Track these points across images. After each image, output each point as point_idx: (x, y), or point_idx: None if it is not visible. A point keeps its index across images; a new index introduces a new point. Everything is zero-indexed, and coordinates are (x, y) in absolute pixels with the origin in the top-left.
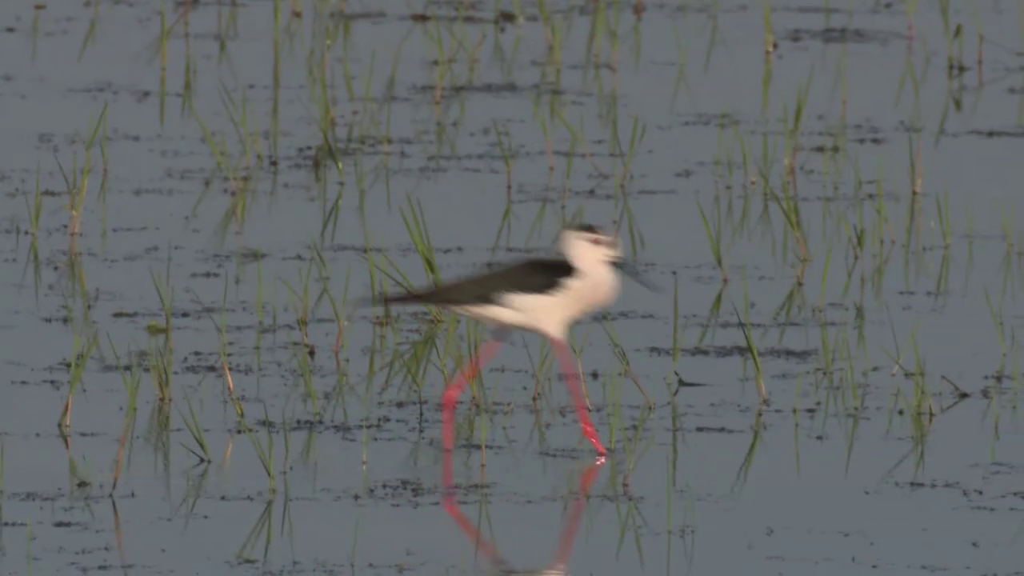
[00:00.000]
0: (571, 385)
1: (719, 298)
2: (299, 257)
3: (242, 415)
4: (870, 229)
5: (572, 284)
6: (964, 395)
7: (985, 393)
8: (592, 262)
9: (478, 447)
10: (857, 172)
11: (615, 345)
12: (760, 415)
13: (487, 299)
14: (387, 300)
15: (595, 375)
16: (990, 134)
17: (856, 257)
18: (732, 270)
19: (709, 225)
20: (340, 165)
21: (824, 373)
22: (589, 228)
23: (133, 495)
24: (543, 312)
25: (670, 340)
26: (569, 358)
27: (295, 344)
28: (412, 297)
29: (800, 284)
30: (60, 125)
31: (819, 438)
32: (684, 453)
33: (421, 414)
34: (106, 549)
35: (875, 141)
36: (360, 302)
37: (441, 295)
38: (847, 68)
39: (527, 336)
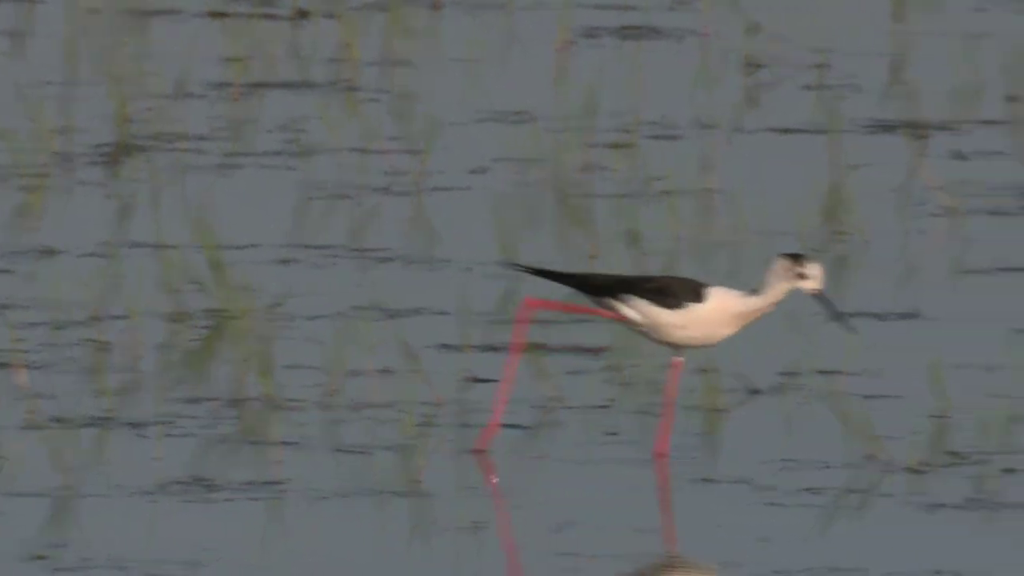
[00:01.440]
0: (667, 400)
1: (512, 294)
2: (94, 254)
3: (34, 411)
4: (661, 225)
5: (695, 308)
6: (756, 391)
7: (777, 389)
8: (781, 289)
9: (272, 444)
10: (650, 169)
11: (404, 343)
12: (552, 411)
13: (614, 294)
14: (529, 270)
15: (386, 372)
16: (785, 131)
17: (645, 254)
18: None
19: (502, 222)
20: (135, 162)
21: (616, 369)
22: (797, 257)
23: None
24: (659, 325)
25: (461, 337)
26: (676, 378)
27: (88, 340)
28: (553, 275)
29: None
30: None
31: (612, 434)
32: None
33: (213, 410)
34: None
35: (670, 138)
36: (508, 266)
37: (578, 279)
38: (642, 65)
39: (320, 331)
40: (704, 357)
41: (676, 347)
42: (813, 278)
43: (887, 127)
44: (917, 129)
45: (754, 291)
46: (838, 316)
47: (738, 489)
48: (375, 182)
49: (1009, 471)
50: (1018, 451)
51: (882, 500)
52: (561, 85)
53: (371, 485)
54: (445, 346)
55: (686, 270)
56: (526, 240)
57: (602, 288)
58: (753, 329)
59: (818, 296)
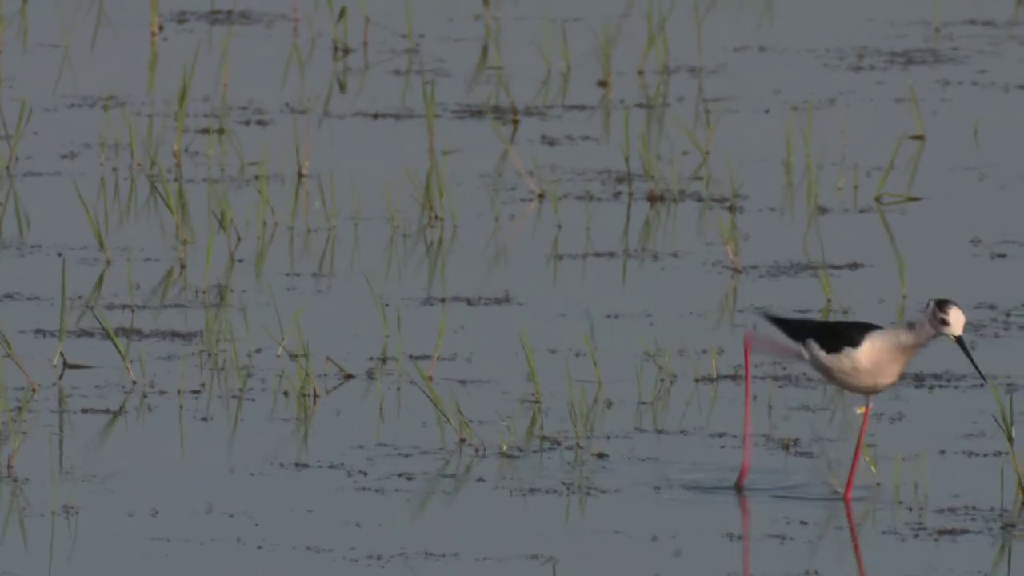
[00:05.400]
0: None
1: (102, 280)
2: None
3: None
4: (254, 211)
5: (852, 353)
6: (349, 376)
7: (370, 374)
8: (926, 332)
9: None
10: (242, 154)
11: None
12: (145, 396)
13: (802, 337)
14: (767, 317)
15: None
16: (375, 116)
17: (239, 239)
18: (116, 252)
19: (91, 207)
20: None
21: (209, 355)
22: (941, 304)
23: None
24: (825, 369)
25: (56, 322)
26: (865, 425)
27: None
28: (775, 320)
29: (184, 266)
30: None
31: (204, 419)
32: (69, 434)
33: None
34: None
35: (260, 123)
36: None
37: (784, 324)
38: (232, 50)
39: None
40: (293, 342)
41: (853, 391)
42: (955, 324)
43: (476, 112)
44: (506, 114)
45: (910, 325)
46: (974, 363)
47: (331, 474)
48: None
49: (601, 455)
50: (608, 436)
51: (475, 485)
52: (152, 70)
53: None
54: (39, 331)
55: (278, 253)
56: (118, 226)
57: (796, 331)
58: (344, 314)
59: (958, 341)
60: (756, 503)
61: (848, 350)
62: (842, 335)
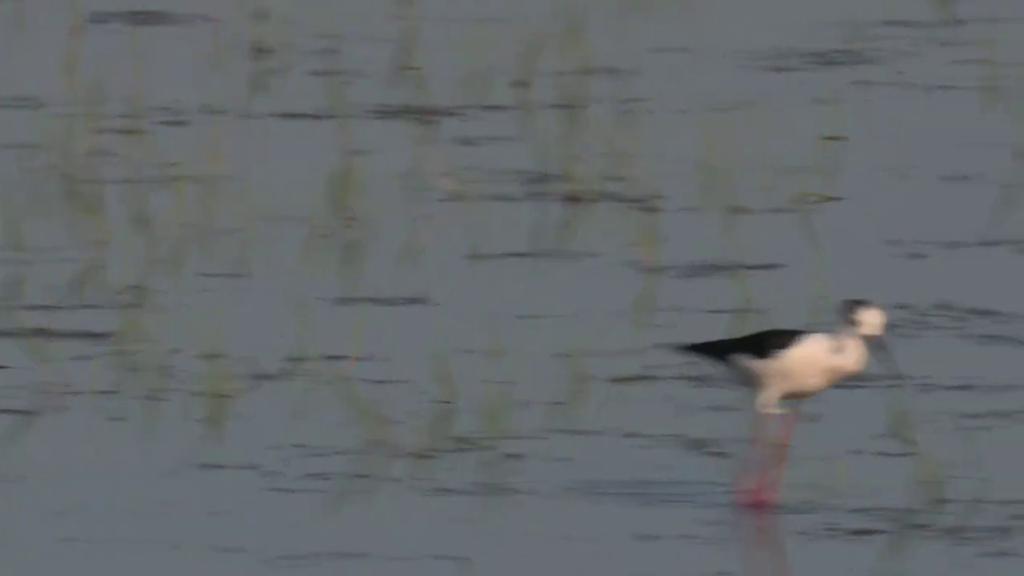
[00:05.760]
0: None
1: (17, 280)
2: None
3: None
4: (170, 211)
5: (781, 354)
6: (264, 376)
7: (285, 375)
8: (849, 336)
9: None
10: (159, 154)
11: None
12: (59, 397)
13: (724, 356)
14: (687, 348)
15: None
16: (292, 116)
17: (156, 239)
18: (32, 252)
19: (6, 207)
20: None
21: (124, 355)
22: (855, 303)
23: None
24: (754, 377)
25: None
26: (774, 430)
27: None
28: (697, 348)
29: (98, 267)
30: None
31: (118, 420)
32: None
33: None
34: None
35: (178, 123)
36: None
37: (706, 348)
38: (152, 50)
39: None
40: (208, 342)
41: (782, 396)
42: (869, 324)
43: (394, 112)
44: (424, 114)
45: (839, 349)
46: (892, 365)
47: (244, 475)
48: None
49: (513, 456)
50: (522, 436)
51: (388, 485)
52: (70, 70)
53: None
54: None
55: (194, 254)
56: (33, 227)
57: (721, 351)
58: (259, 314)
59: (874, 341)
60: (669, 504)
61: (777, 352)
62: (769, 339)
